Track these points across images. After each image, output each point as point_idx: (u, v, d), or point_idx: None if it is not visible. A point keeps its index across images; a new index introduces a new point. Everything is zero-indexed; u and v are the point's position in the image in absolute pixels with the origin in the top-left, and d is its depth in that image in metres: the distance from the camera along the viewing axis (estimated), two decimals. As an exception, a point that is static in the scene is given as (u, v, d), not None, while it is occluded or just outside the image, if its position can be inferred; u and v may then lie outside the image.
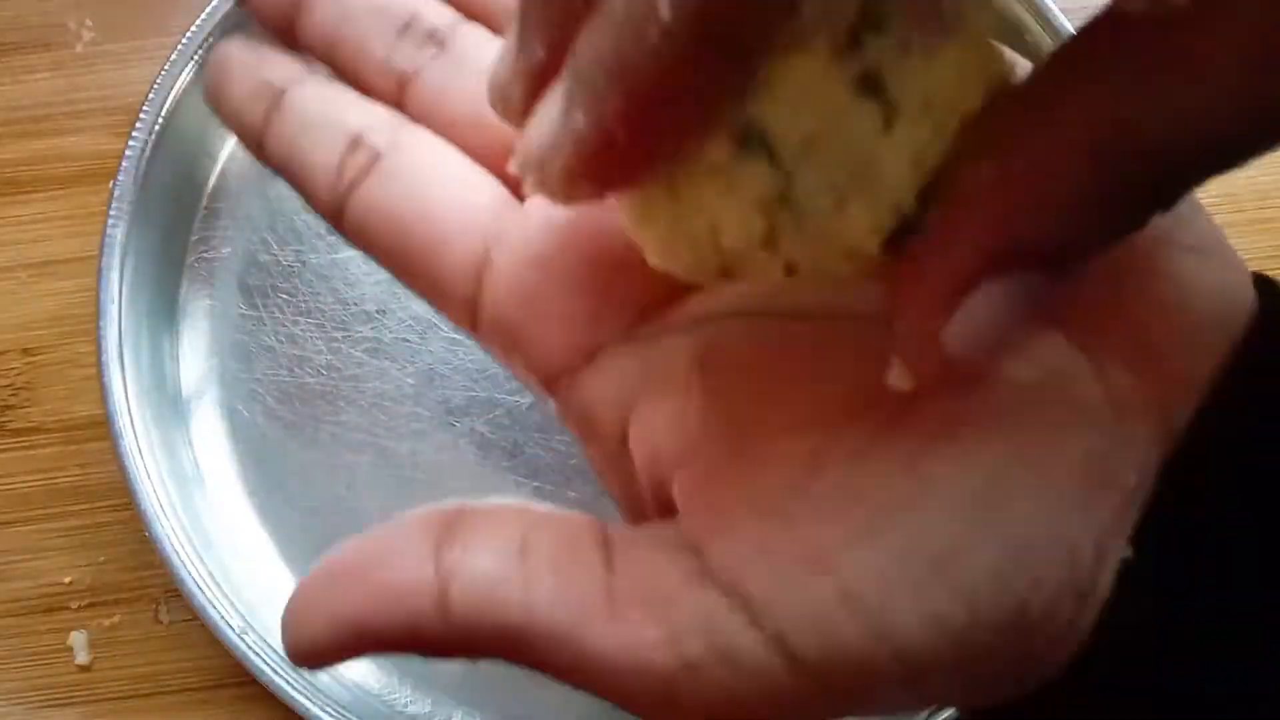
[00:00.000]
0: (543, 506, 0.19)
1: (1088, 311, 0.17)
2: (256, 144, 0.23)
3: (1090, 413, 0.17)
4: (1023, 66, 0.18)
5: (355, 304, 0.45)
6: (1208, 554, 0.16)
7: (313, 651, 0.18)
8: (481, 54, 0.23)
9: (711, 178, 0.17)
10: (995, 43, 0.17)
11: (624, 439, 0.20)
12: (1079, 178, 0.15)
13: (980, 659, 0.16)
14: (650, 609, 0.17)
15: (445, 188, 0.22)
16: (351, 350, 0.45)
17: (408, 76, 0.22)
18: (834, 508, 0.17)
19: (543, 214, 0.21)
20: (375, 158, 0.22)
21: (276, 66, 0.23)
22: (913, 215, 0.16)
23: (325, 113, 0.22)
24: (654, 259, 0.18)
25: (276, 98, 0.22)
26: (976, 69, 0.17)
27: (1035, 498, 0.16)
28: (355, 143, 0.22)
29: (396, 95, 0.23)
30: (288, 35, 0.23)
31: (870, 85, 0.16)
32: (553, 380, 0.21)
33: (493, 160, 0.22)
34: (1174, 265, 0.18)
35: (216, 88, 0.23)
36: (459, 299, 0.21)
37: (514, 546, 0.18)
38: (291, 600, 0.18)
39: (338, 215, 0.22)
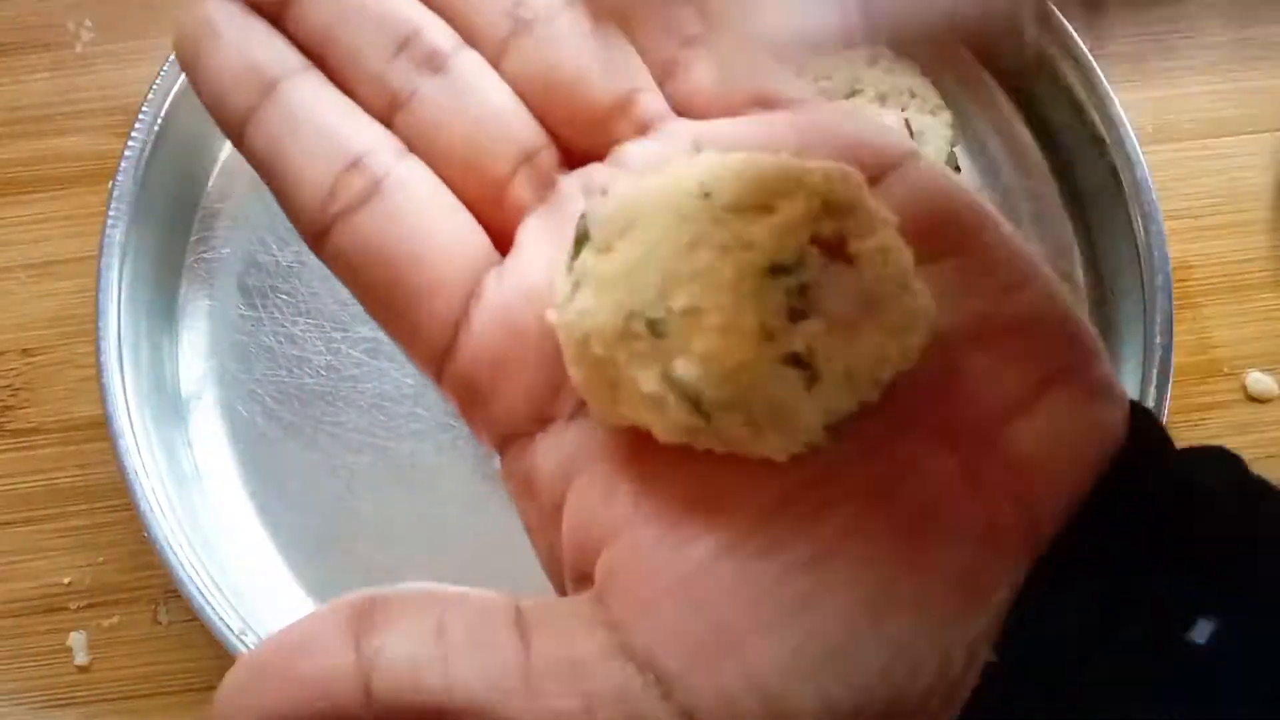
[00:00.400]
0: (455, 588, 0.20)
1: (975, 438, 0.19)
2: (236, 130, 0.22)
3: (971, 534, 0.18)
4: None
5: (354, 304, 0.45)
6: (1058, 658, 0.18)
7: None
8: (481, 85, 0.22)
9: (643, 401, 0.19)
10: (917, 313, 0.19)
11: (559, 508, 0.21)
12: None
13: None
14: (566, 682, 0.18)
15: (439, 234, 0.21)
16: (351, 351, 0.45)
17: (401, 98, 0.22)
18: (744, 599, 0.18)
19: (520, 278, 0.21)
20: (373, 187, 0.21)
21: (271, 49, 0.22)
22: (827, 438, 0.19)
23: (323, 120, 0.21)
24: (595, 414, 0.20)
25: (268, 87, 0.21)
26: (896, 344, 0.19)
27: (917, 609, 0.18)
28: (354, 165, 0.21)
29: (386, 114, 0.22)
30: (275, 22, 0.22)
31: (797, 360, 0.19)
32: (505, 440, 0.22)
33: (484, 207, 0.22)
34: (1061, 405, 0.19)
35: (194, 54, 0.22)
36: (432, 348, 0.22)
37: (431, 629, 0.19)
38: (219, 697, 0.19)
39: (320, 235, 0.22)
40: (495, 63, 0.22)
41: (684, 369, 0.19)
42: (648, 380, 0.19)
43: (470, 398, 0.22)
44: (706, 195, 0.20)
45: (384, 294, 0.22)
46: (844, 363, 0.19)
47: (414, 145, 0.22)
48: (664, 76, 0.23)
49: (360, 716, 0.18)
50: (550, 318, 0.20)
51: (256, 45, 0.22)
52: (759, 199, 0.19)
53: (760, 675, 0.18)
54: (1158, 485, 0.19)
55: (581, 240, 0.20)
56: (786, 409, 0.19)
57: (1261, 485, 0.19)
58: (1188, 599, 0.18)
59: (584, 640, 0.19)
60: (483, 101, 0.22)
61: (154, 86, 0.43)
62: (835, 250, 0.19)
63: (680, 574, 0.19)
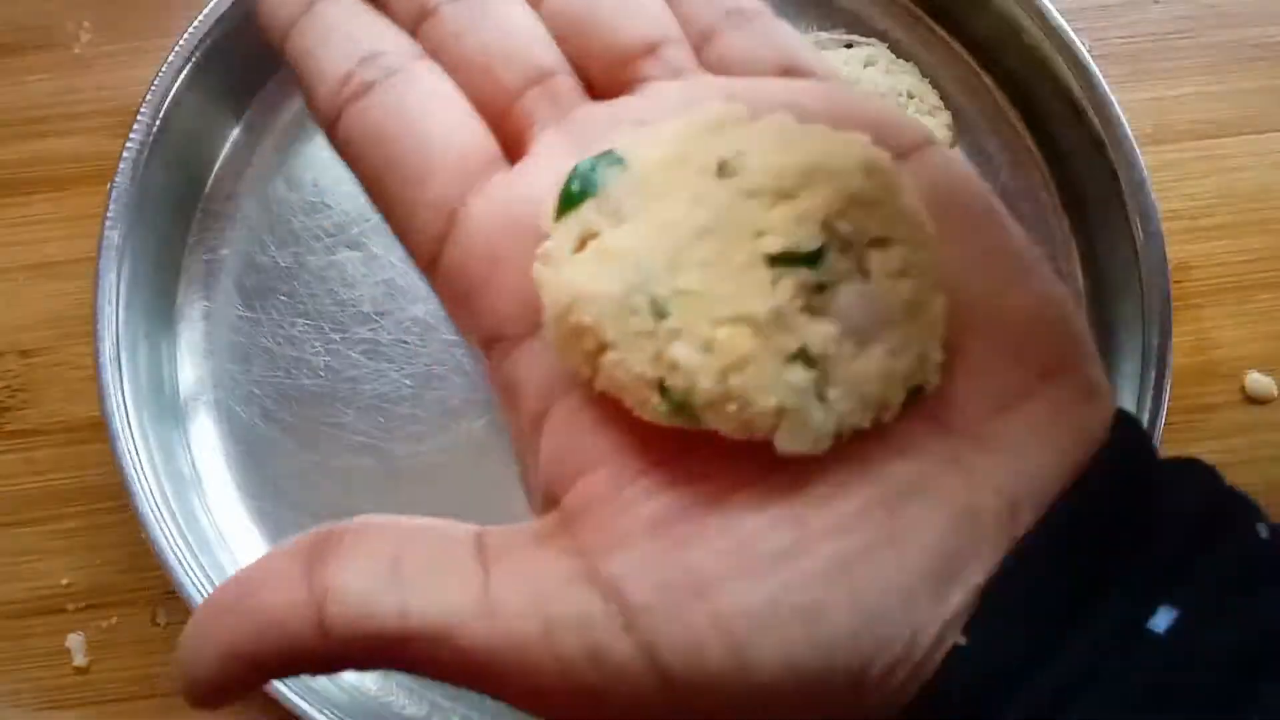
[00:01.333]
0: (417, 519, 0.21)
1: (965, 424, 0.19)
2: (280, 44, 0.23)
3: (955, 515, 0.18)
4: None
5: (353, 305, 0.45)
6: (1024, 644, 0.18)
7: (210, 689, 0.19)
8: (505, 11, 0.23)
9: (627, 379, 0.19)
10: (930, 351, 0.19)
11: (540, 423, 0.21)
12: None
13: (820, 701, 0.18)
14: (526, 605, 0.18)
15: (442, 123, 0.22)
16: (349, 352, 0.45)
17: (429, 9, 0.23)
18: (723, 545, 0.18)
19: (528, 183, 0.21)
20: (385, 76, 0.22)
21: None
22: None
23: (349, 26, 0.23)
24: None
25: (310, 3, 0.23)
26: (902, 371, 0.19)
27: (896, 578, 0.18)
28: (368, 59, 0.22)
29: (414, 23, 0.23)
30: None
31: (808, 358, 0.18)
32: (491, 342, 0.21)
33: (494, 116, 0.22)
34: (1049, 403, 0.20)
35: None
36: (427, 234, 0.22)
37: (386, 559, 0.19)
38: (183, 639, 0.19)
39: (333, 123, 0.22)
40: (535, 2, 0.23)
41: (683, 354, 0.18)
42: (638, 361, 0.18)
43: (461, 291, 0.22)
44: (728, 172, 0.19)
45: (382, 176, 0.22)
46: (859, 374, 0.18)
47: (437, 54, 0.23)
48: (701, 42, 0.23)
49: (317, 648, 0.18)
50: (536, 271, 0.20)
51: None
52: (781, 182, 0.19)
53: (729, 621, 0.18)
54: (1131, 485, 0.19)
55: (578, 195, 0.20)
56: (794, 408, 0.18)
57: (1231, 493, 0.20)
58: (1150, 589, 0.18)
59: (547, 565, 0.19)
60: (504, 18, 0.23)
61: (152, 87, 0.43)
62: (856, 252, 0.19)
63: (659, 513, 0.19)
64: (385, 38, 0.23)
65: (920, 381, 0.19)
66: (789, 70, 0.23)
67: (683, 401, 0.18)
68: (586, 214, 0.20)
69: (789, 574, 0.18)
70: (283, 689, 0.38)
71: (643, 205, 0.19)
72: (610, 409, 0.20)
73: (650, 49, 0.23)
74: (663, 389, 0.18)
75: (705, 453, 0.19)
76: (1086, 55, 0.44)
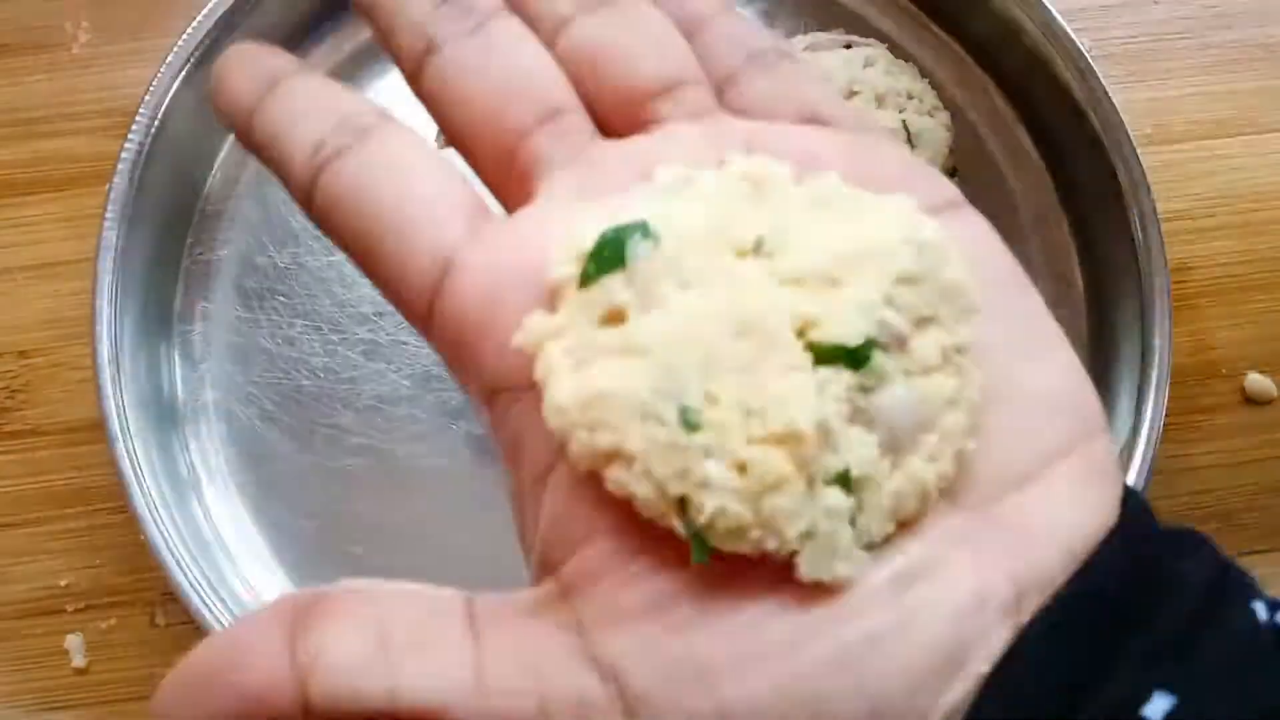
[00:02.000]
0: (400, 584, 0.20)
1: (981, 502, 0.19)
2: (245, 127, 0.22)
3: (964, 601, 0.18)
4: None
5: (352, 306, 0.45)
6: None
7: None
8: (515, 48, 0.22)
9: (645, 490, 0.17)
10: (966, 446, 0.19)
11: (543, 481, 0.20)
12: None
13: None
14: (521, 682, 0.18)
15: (425, 175, 0.21)
16: (348, 353, 0.45)
17: (436, 44, 0.22)
18: (726, 631, 0.18)
19: (533, 229, 0.21)
20: (358, 137, 0.21)
21: (280, 59, 0.23)
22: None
23: (318, 97, 0.22)
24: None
25: (274, 82, 0.22)
26: (937, 480, 0.18)
27: (902, 668, 0.18)
28: (340, 124, 0.21)
29: (417, 62, 0.22)
30: None
31: (844, 481, 0.17)
32: (494, 394, 0.20)
33: (501, 156, 0.22)
34: (1064, 484, 0.19)
35: (220, 79, 0.23)
36: (421, 285, 0.21)
37: (372, 631, 0.18)
38: (153, 707, 0.18)
39: (310, 189, 0.21)
40: (550, 40, 0.22)
41: (716, 474, 0.17)
42: (660, 475, 0.17)
43: (460, 340, 0.21)
44: (766, 251, 0.18)
45: (369, 232, 0.21)
46: (895, 493, 0.18)
47: (439, 91, 0.22)
48: (723, 84, 0.23)
49: None
50: (535, 365, 0.18)
51: (268, 58, 0.23)
52: (827, 267, 0.18)
53: (732, 711, 0.17)
54: (1135, 568, 0.19)
55: (605, 263, 0.18)
56: (825, 537, 0.17)
57: (1226, 567, 0.20)
58: (1148, 674, 0.18)
59: (543, 640, 0.18)
60: (513, 54, 0.22)
61: (150, 88, 0.43)
62: (899, 343, 0.18)
63: (660, 593, 0.18)
64: (355, 101, 0.22)
65: (950, 482, 0.18)
66: (813, 118, 0.22)
67: (702, 526, 0.17)
68: (613, 289, 0.18)
69: (795, 664, 0.17)
70: None
71: (674, 290, 0.18)
72: None
73: (668, 89, 0.22)
74: (681, 506, 0.17)
75: None
76: (1087, 55, 0.44)
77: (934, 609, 0.18)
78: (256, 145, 0.22)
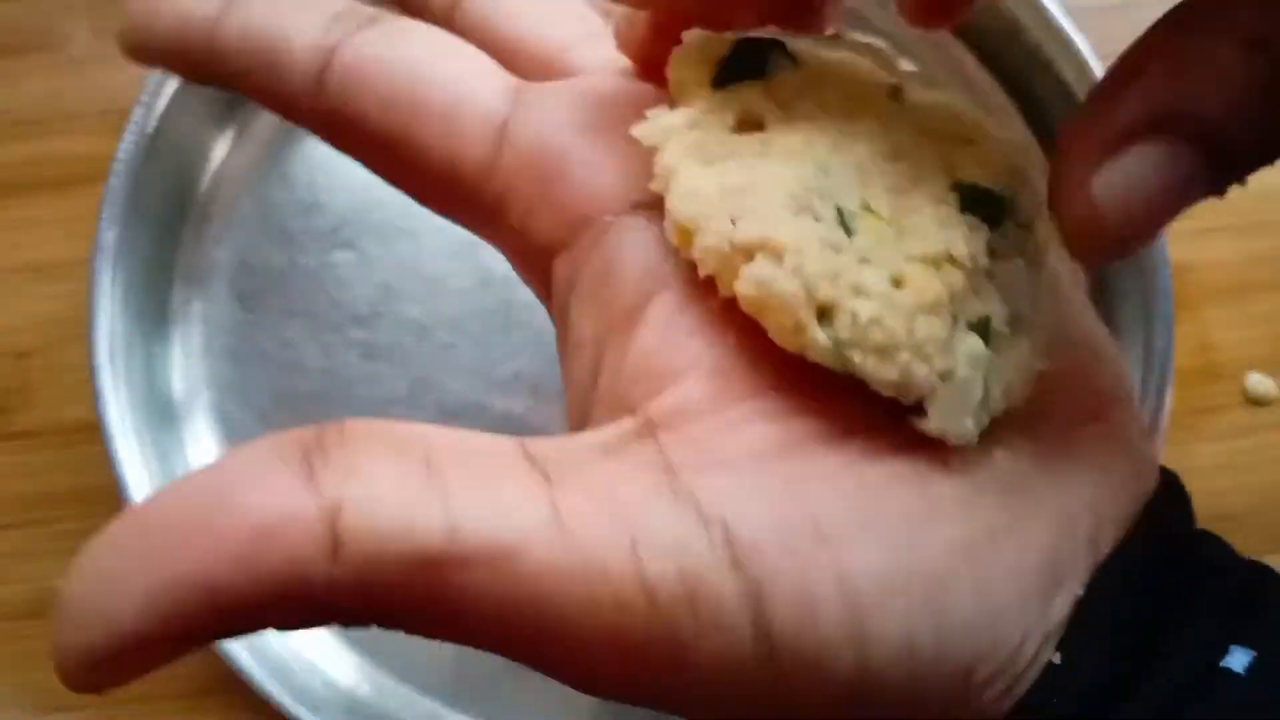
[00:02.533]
0: (444, 429, 0.16)
1: (1056, 432, 0.18)
2: (204, 41, 0.20)
3: (1058, 519, 0.17)
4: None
5: (349, 307, 0.45)
6: (1110, 672, 0.17)
7: (121, 647, 0.13)
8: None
9: (778, 292, 0.16)
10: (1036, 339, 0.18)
11: (638, 310, 0.17)
12: (1240, 65, 0.15)
13: (923, 699, 0.16)
14: (607, 521, 0.15)
15: (455, 54, 0.20)
16: (345, 354, 0.44)
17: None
18: (849, 494, 0.16)
19: (593, 74, 0.20)
20: (366, 22, 0.20)
21: None
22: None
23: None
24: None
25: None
26: (1037, 369, 0.17)
27: (1016, 571, 0.17)
28: (339, 16, 0.20)
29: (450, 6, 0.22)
30: None
31: (984, 332, 0.16)
32: (574, 232, 0.18)
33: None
34: (1122, 428, 0.19)
35: (145, 14, 0.20)
36: (475, 151, 0.19)
37: (416, 464, 0.15)
38: (83, 571, 0.13)
39: (321, 75, 0.19)
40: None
41: (873, 283, 0.15)
42: (813, 278, 0.15)
43: (537, 179, 0.18)
44: (900, 99, 0.17)
45: (409, 96, 0.19)
46: (1014, 364, 0.17)
47: (474, 28, 0.22)
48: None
49: (322, 579, 0.13)
50: (655, 161, 0.16)
51: None
52: (960, 127, 0.17)
53: (854, 578, 0.15)
54: (1189, 522, 0.19)
55: (742, 69, 0.16)
56: (963, 379, 0.16)
57: (1253, 561, 0.19)
58: (1222, 628, 0.17)
59: (625, 478, 0.16)
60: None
61: (147, 89, 0.43)
62: (1027, 213, 0.17)
63: (770, 442, 0.16)
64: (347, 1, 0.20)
65: (1025, 399, 0.18)
66: None
67: (847, 338, 0.15)
68: (749, 95, 0.17)
69: (922, 541, 0.16)
70: (277, 693, 0.38)
71: (815, 110, 0.17)
72: (722, 313, 0.17)
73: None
74: (821, 316, 0.15)
75: (817, 385, 0.17)
76: (1088, 55, 0.44)
77: (1036, 519, 0.17)
78: (226, 53, 0.20)
